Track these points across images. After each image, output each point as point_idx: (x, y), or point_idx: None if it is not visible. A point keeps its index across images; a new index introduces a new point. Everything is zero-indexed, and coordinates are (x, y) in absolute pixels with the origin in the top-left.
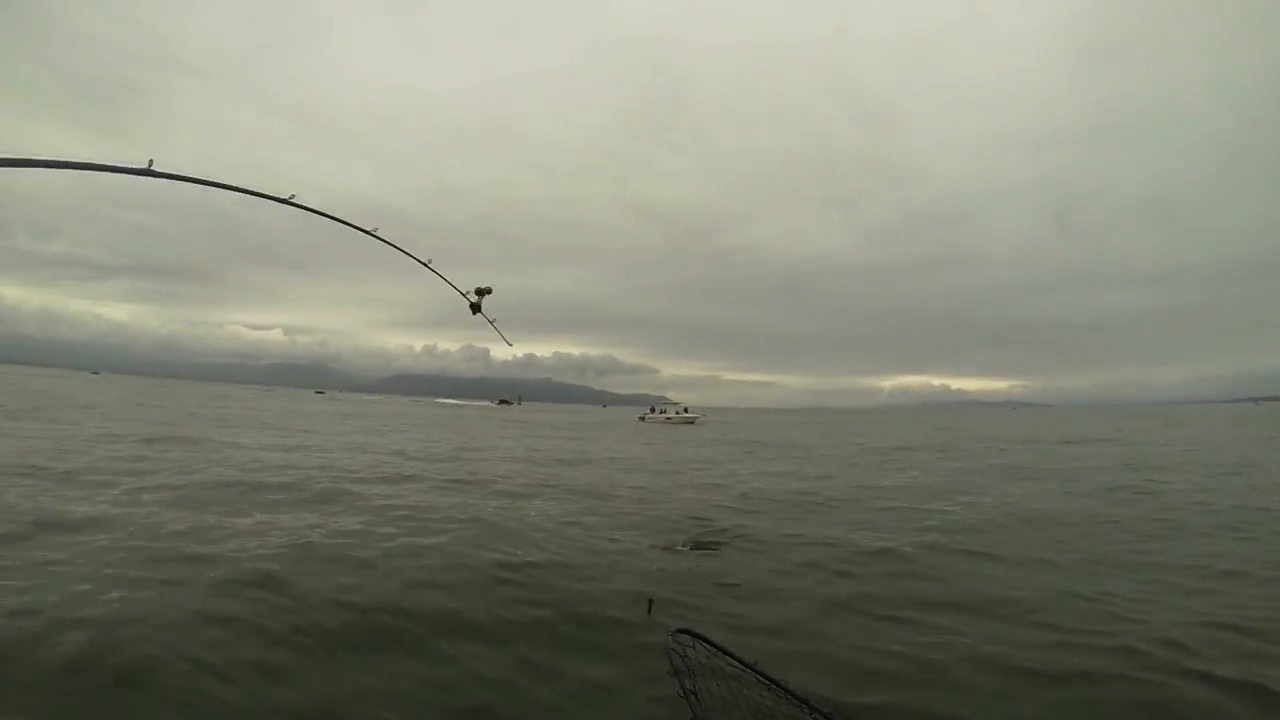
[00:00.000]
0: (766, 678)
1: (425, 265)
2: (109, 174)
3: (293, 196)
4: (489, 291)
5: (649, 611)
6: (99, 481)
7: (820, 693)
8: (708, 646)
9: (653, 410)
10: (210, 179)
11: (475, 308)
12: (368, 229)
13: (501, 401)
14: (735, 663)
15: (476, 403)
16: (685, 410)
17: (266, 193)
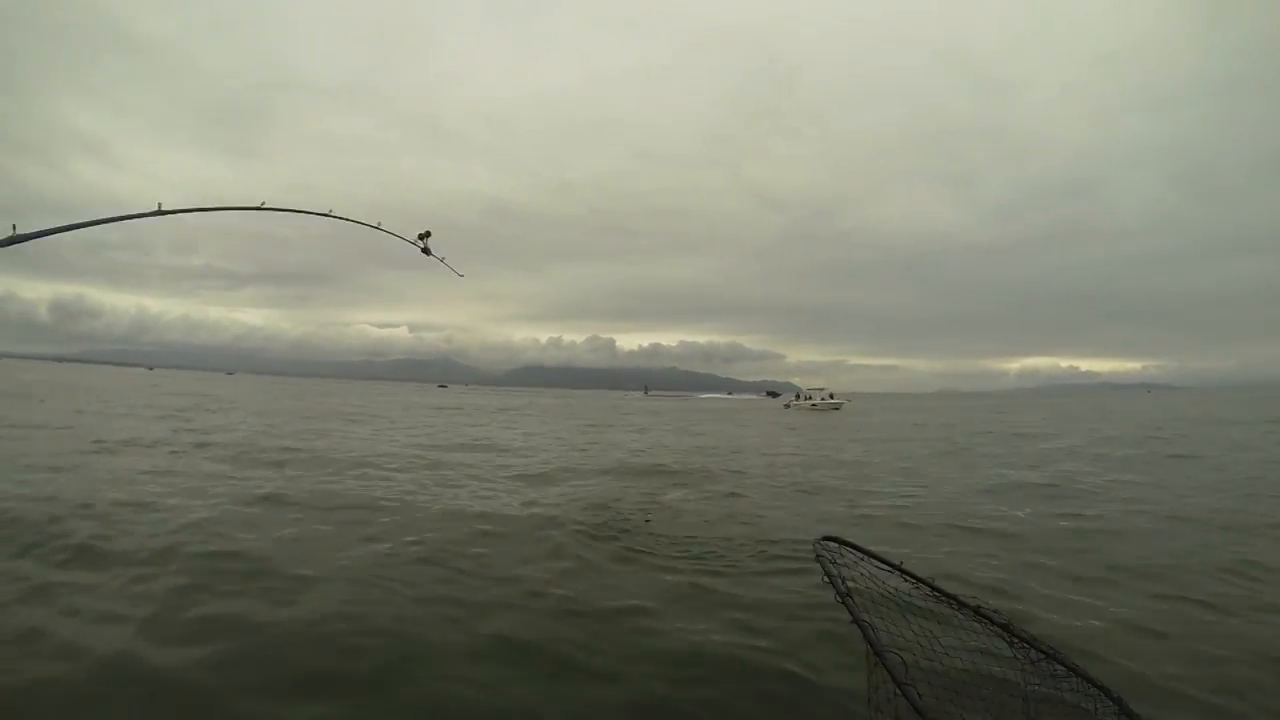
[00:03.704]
0: (914, 576)
1: (376, 228)
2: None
3: (330, 210)
4: (429, 234)
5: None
6: None
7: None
8: (853, 551)
9: (798, 397)
10: (219, 205)
11: (426, 250)
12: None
13: (769, 394)
14: (881, 564)
15: (745, 395)
16: (831, 396)
17: (306, 208)
